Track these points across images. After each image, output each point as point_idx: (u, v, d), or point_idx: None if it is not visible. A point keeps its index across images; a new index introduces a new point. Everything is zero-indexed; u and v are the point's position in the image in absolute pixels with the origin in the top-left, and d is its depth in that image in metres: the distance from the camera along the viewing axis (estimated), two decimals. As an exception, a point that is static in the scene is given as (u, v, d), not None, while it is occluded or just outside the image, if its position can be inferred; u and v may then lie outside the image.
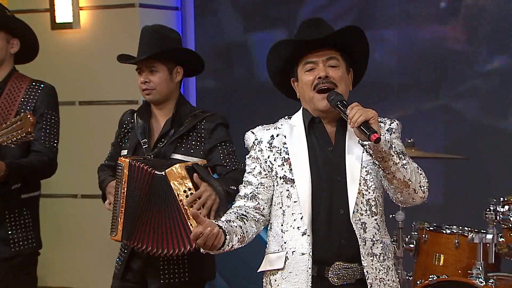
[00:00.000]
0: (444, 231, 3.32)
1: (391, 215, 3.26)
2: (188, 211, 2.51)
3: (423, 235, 3.35)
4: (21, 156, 2.84)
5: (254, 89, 4.62)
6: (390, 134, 2.07)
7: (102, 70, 4.40)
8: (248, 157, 2.19)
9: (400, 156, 1.97)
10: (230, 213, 2.09)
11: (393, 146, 1.96)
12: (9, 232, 2.85)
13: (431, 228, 3.36)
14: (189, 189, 2.53)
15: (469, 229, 3.25)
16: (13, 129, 2.52)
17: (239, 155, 2.70)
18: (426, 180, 2.06)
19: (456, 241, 3.25)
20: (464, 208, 3.88)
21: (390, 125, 2.12)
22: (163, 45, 2.74)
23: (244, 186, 2.17)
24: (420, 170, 2.06)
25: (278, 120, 2.23)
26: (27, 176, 2.86)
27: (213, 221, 1.96)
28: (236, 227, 2.00)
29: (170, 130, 2.74)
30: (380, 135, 1.88)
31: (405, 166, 1.97)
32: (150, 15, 4.38)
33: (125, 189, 2.64)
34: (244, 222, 2.05)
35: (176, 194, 2.54)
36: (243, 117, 4.19)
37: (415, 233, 3.41)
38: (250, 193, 2.13)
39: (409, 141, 3.41)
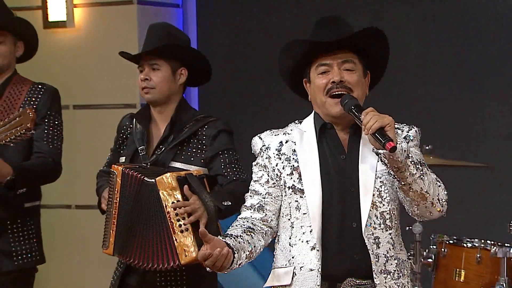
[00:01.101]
0: (465, 245, 3.27)
1: (407, 227, 3.22)
2: (174, 224, 2.48)
3: (442, 249, 3.31)
4: (22, 160, 2.82)
5: (260, 96, 4.63)
6: (408, 142, 2.02)
7: (97, 72, 4.38)
8: (255, 165, 2.15)
9: (417, 166, 1.92)
10: (236, 226, 2.05)
11: (410, 155, 1.91)
12: (12, 244, 2.82)
13: (451, 242, 3.32)
14: (178, 201, 2.49)
15: (492, 242, 3.20)
16: (12, 126, 2.49)
17: (243, 164, 2.68)
18: (445, 193, 2.01)
19: (478, 255, 3.20)
20: (487, 219, 3.87)
21: (408, 132, 2.08)
22: (169, 42, 2.70)
23: (250, 196, 2.13)
24: (439, 182, 2.01)
25: (288, 125, 2.19)
26: (33, 180, 2.84)
27: (220, 237, 1.93)
28: (244, 242, 1.97)
29: (169, 136, 2.72)
30: (396, 143, 1.84)
31: (423, 177, 1.92)
32: (149, 13, 4.36)
33: (118, 198, 2.61)
34: (252, 236, 2.01)
35: (164, 205, 2.49)
36: (246, 128, 4.19)
37: (434, 246, 3.36)
38: (257, 203, 2.09)
39: (427, 147, 3.39)
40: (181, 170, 2.61)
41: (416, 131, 2.11)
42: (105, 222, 2.72)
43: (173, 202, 2.50)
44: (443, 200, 2.01)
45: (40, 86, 2.94)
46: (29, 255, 2.87)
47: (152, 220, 2.56)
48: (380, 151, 1.88)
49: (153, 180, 2.53)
